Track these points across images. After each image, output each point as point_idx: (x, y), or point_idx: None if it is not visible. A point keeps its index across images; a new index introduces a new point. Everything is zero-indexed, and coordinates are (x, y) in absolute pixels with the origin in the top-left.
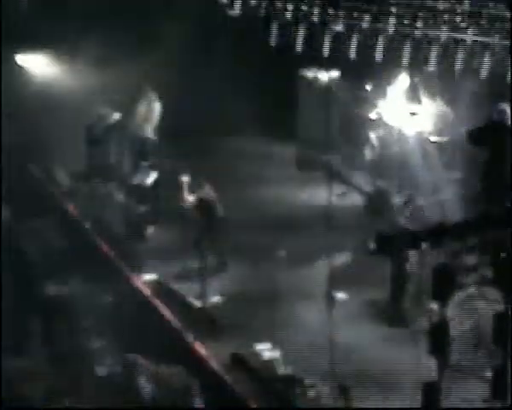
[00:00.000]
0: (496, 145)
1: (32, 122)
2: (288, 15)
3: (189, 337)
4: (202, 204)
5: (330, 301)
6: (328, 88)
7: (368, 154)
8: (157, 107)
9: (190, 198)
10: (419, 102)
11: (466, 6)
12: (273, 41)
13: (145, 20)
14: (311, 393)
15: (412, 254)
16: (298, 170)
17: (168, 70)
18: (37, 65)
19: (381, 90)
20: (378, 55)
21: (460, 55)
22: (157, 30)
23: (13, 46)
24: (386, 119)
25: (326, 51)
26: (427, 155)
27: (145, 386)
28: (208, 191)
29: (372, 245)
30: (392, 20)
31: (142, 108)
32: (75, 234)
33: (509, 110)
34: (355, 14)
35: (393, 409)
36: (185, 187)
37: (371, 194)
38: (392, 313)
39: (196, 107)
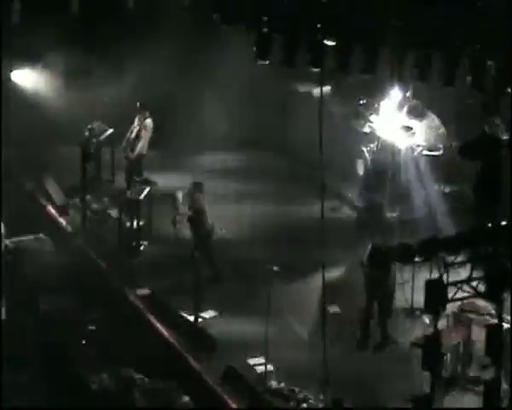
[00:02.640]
0: (489, 158)
1: (25, 136)
2: (284, 31)
3: (183, 352)
4: (196, 215)
5: (324, 314)
6: (321, 102)
7: (360, 167)
8: (150, 123)
9: (186, 211)
10: (415, 116)
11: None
12: (267, 56)
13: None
14: (304, 406)
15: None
16: (291, 184)
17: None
18: (29, 79)
19: (374, 105)
20: (372, 70)
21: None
22: (147, 44)
23: (6, 61)
24: (379, 132)
25: (319, 66)
26: (419, 169)
27: (139, 400)
28: (201, 202)
29: (365, 259)
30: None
31: (135, 124)
32: (68, 249)
33: (501, 124)
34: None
35: None
36: (180, 200)
37: (363, 208)
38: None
39: (189, 121)
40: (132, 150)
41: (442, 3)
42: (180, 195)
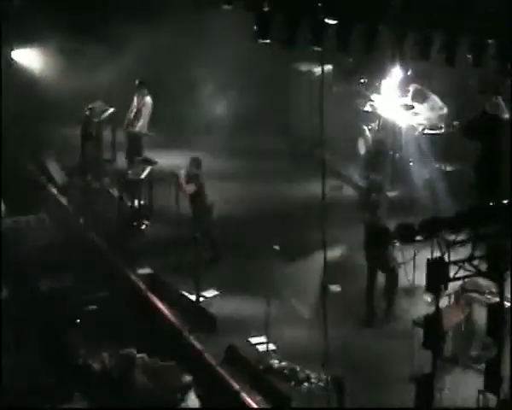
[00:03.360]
0: (489, 138)
1: (27, 116)
2: (285, 10)
3: (184, 331)
4: (196, 192)
5: (325, 293)
6: (322, 81)
7: (362, 147)
8: (149, 101)
9: (189, 187)
10: (419, 101)
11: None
12: (268, 35)
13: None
14: (306, 385)
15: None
16: (292, 164)
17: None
18: (30, 59)
19: (375, 84)
20: (372, 49)
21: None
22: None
23: (6, 41)
24: (380, 111)
25: (320, 45)
26: (420, 148)
27: (140, 380)
28: (200, 178)
29: (366, 238)
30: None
31: (134, 103)
32: (69, 229)
33: (502, 103)
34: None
35: (388, 409)
36: (183, 177)
37: (365, 187)
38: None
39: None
40: (133, 128)
41: None
42: (182, 172)
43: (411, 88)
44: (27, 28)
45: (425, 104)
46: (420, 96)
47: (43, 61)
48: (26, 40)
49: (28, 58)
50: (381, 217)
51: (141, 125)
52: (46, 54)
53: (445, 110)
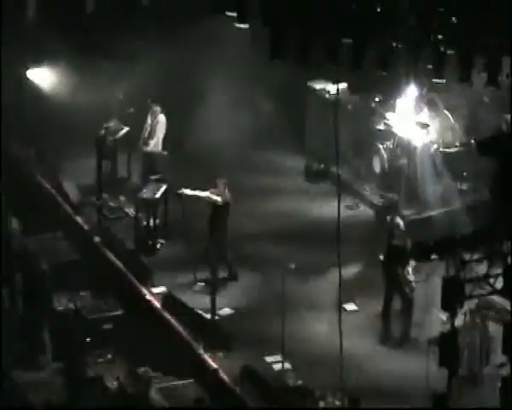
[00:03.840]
0: (504, 155)
1: (42, 135)
2: (299, 28)
3: (200, 350)
4: (222, 208)
5: (340, 312)
6: (337, 100)
7: (377, 165)
8: (163, 119)
9: (218, 198)
10: (432, 110)
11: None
12: (282, 54)
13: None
14: (322, 404)
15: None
16: (307, 182)
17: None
18: (45, 79)
19: (390, 102)
20: (387, 67)
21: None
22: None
23: (22, 60)
24: (395, 130)
25: (335, 63)
26: (435, 166)
27: (156, 399)
28: (230, 200)
29: (382, 256)
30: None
31: (148, 122)
32: (85, 248)
33: None
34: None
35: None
36: (209, 191)
37: (381, 206)
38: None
39: (208, 120)
40: (147, 147)
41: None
42: (188, 191)
43: (424, 100)
44: (40, 47)
45: (438, 121)
46: (433, 104)
47: (57, 80)
48: (39, 59)
49: (42, 77)
50: (397, 235)
51: (154, 143)
52: (59, 72)
53: (457, 128)
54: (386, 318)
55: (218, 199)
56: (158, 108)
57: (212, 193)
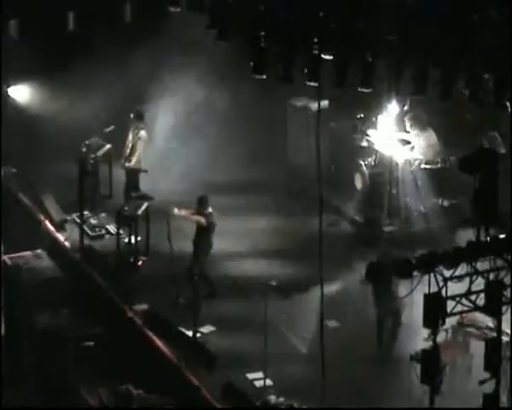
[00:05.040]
0: (486, 172)
1: (22, 153)
2: (281, 46)
3: (181, 367)
4: (207, 228)
5: (323, 329)
6: (318, 117)
7: (358, 182)
8: (144, 135)
9: (203, 220)
10: (408, 130)
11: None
12: (264, 71)
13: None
14: None
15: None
16: (289, 199)
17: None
18: (26, 96)
19: (372, 119)
20: (369, 84)
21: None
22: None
23: (3, 77)
24: (376, 146)
25: (316, 80)
26: (417, 183)
27: None
28: (213, 219)
29: (363, 274)
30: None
31: (129, 137)
32: (66, 265)
33: (499, 137)
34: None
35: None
36: (190, 212)
37: (362, 223)
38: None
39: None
40: (129, 164)
41: (438, 18)
42: (174, 210)
43: (409, 115)
44: (21, 64)
45: (421, 138)
46: (417, 120)
47: (39, 97)
48: (20, 76)
49: (23, 94)
50: (378, 252)
51: (136, 160)
52: (41, 89)
53: (440, 146)
54: (380, 337)
55: (203, 220)
56: (140, 123)
57: (198, 214)
